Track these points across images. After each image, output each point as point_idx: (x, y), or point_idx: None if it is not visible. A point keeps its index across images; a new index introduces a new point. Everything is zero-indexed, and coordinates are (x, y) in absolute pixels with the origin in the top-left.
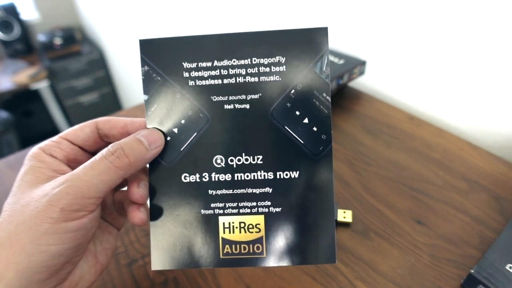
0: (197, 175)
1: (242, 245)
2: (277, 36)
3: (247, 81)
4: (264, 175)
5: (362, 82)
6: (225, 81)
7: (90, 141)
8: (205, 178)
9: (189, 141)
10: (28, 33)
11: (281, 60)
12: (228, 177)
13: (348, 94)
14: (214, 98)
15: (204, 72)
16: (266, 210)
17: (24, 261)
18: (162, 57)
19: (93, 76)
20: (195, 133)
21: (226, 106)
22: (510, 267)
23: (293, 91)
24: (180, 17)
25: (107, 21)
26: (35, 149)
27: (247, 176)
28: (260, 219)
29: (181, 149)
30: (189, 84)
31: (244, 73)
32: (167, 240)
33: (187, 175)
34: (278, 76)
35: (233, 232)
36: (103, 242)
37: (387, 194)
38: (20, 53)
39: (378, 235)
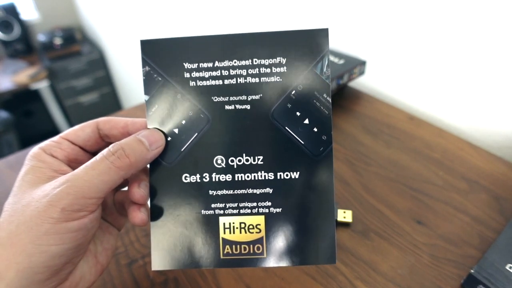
0: (198, 176)
1: (243, 246)
2: (278, 37)
3: (248, 81)
4: (265, 176)
5: (362, 82)
6: (226, 81)
7: (90, 141)
8: (206, 179)
9: (190, 141)
10: (28, 33)
11: (282, 61)
12: (228, 177)
13: (348, 94)
14: (215, 98)
15: (205, 72)
16: (267, 210)
17: (25, 261)
18: (163, 58)
19: (93, 76)
20: (196, 134)
21: (227, 107)
22: (510, 267)
23: (293, 92)
24: (181, 17)
25: (107, 21)
26: (35, 149)
27: (248, 177)
28: (260, 220)
29: (182, 150)
30: (190, 85)
31: (245, 73)
32: (168, 240)
33: (188, 175)
34: (278, 77)
35: (234, 233)
36: (104, 242)
37: (387, 194)
38: (20, 53)
39: (378, 235)
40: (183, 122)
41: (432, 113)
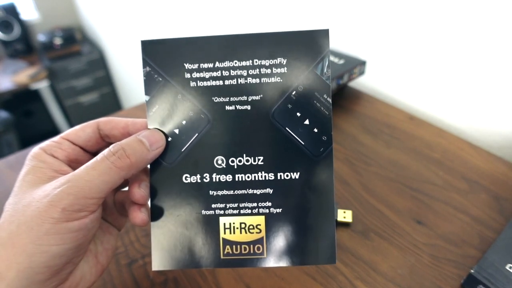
0: (198, 176)
1: (243, 246)
2: (278, 37)
3: (248, 82)
4: (265, 176)
5: (362, 82)
6: (227, 82)
7: (91, 141)
8: (206, 179)
9: (190, 142)
10: (28, 33)
11: (282, 62)
12: (229, 177)
13: (348, 94)
14: (216, 99)
15: (206, 73)
16: (267, 210)
17: (25, 261)
18: (164, 58)
19: (93, 76)
20: (196, 134)
21: (227, 107)
22: (510, 267)
23: (294, 92)
24: (182, 18)
25: (107, 21)
26: (36, 149)
27: (248, 177)
28: (260, 220)
29: (182, 150)
30: (191, 85)
31: (245, 74)
32: (168, 241)
33: (188, 175)
34: (279, 78)
35: (234, 233)
36: (104, 242)
37: (387, 194)
38: (20, 53)
39: (378, 235)
40: (184, 122)
41: (432, 113)
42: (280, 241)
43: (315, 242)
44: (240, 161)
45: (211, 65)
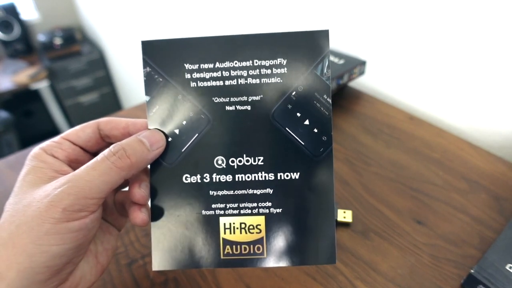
0: (198, 176)
1: (243, 246)
2: (278, 38)
3: (248, 82)
4: (265, 176)
5: (362, 82)
6: (227, 82)
7: (91, 141)
8: (206, 179)
9: (190, 142)
10: (28, 33)
11: (282, 62)
12: (229, 178)
13: (348, 94)
14: (216, 99)
15: (206, 73)
16: (267, 211)
17: (25, 261)
18: (164, 59)
19: (93, 76)
20: (197, 134)
21: (228, 108)
22: (510, 267)
23: (294, 93)
24: (182, 18)
25: (107, 21)
26: (36, 149)
27: (248, 177)
28: (260, 220)
29: (182, 150)
30: (191, 86)
31: (245, 74)
32: (168, 241)
33: (188, 176)
34: (279, 78)
35: (234, 233)
36: (104, 242)
37: (387, 194)
38: (20, 53)
39: (378, 235)
40: (184, 122)
41: (432, 113)
42: (280, 241)
43: (315, 242)
44: (240, 161)
45: (211, 66)
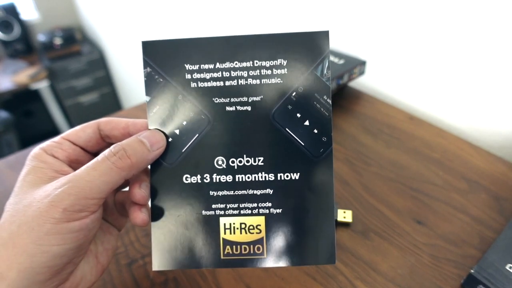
0: (199, 176)
1: (243, 246)
2: (279, 39)
3: (248, 83)
4: (265, 177)
5: (362, 82)
6: (227, 83)
7: (91, 141)
8: (206, 179)
9: (191, 142)
10: (28, 33)
11: (282, 63)
12: (229, 178)
13: (348, 94)
14: (216, 100)
15: (206, 74)
16: (267, 211)
17: (26, 261)
18: (165, 59)
19: (93, 76)
20: (197, 135)
21: (228, 108)
22: (510, 267)
23: (294, 93)
24: (182, 18)
25: (107, 21)
26: (36, 149)
27: (248, 178)
28: (260, 220)
29: (183, 151)
30: (191, 86)
31: (246, 75)
32: (168, 241)
33: (189, 176)
34: (279, 79)
35: (234, 233)
36: (104, 242)
37: (387, 194)
38: (20, 53)
39: (378, 235)
40: (184, 123)
41: (432, 113)
42: (280, 241)
43: (315, 242)
44: (240, 161)
45: (211, 66)
